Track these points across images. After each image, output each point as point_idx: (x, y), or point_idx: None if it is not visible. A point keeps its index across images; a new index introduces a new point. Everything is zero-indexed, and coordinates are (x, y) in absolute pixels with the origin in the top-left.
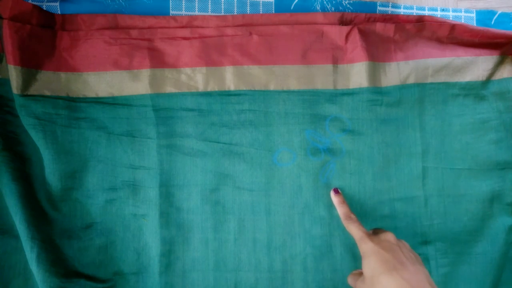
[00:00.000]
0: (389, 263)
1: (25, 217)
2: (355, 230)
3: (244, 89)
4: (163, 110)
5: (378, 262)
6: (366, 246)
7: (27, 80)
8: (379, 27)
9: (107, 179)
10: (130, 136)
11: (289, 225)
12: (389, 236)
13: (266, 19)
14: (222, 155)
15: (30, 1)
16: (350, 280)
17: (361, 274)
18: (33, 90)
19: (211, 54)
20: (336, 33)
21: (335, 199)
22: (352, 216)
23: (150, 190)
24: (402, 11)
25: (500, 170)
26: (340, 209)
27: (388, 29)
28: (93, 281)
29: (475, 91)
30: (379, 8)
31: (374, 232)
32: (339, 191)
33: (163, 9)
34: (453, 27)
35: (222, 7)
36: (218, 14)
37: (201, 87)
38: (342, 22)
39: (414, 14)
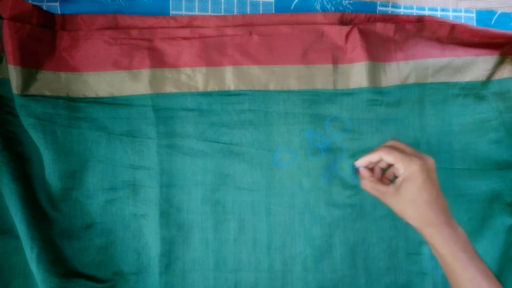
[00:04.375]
0: (432, 195)
1: (25, 217)
2: (396, 154)
3: (244, 89)
4: (163, 110)
5: (424, 191)
6: (413, 169)
7: (27, 80)
8: (379, 27)
9: (107, 179)
10: (130, 136)
11: (289, 225)
12: (432, 165)
13: (266, 19)
14: (222, 155)
15: (30, 1)
16: (370, 186)
17: (383, 180)
18: (33, 90)
19: (211, 54)
20: (336, 33)
21: (362, 170)
22: (382, 146)
23: (150, 190)
24: (402, 11)
25: (500, 170)
26: (370, 156)
27: (388, 29)
28: (93, 281)
29: (475, 91)
30: (379, 8)
31: (411, 151)
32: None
33: (163, 9)
34: (453, 27)
35: (222, 7)
36: (218, 14)
37: (201, 87)
38: (342, 22)
39: (414, 14)
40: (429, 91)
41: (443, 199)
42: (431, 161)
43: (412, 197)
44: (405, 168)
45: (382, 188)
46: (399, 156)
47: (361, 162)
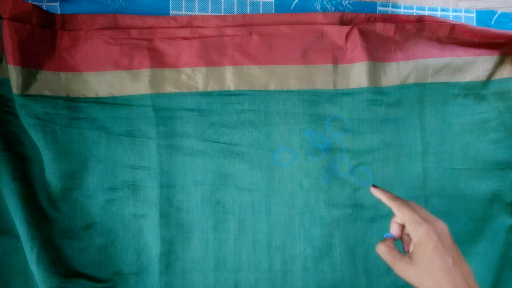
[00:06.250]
0: (448, 260)
1: (25, 217)
2: (407, 213)
3: (244, 89)
4: (163, 110)
5: (437, 256)
6: (423, 232)
7: (27, 80)
8: (379, 27)
9: (107, 179)
10: (130, 136)
11: (289, 225)
12: (444, 228)
13: (266, 19)
14: (222, 155)
15: (30, 1)
16: (384, 250)
17: (397, 249)
18: (33, 90)
19: (211, 54)
20: (336, 33)
21: (374, 190)
22: (399, 197)
23: (150, 190)
24: (402, 11)
25: (500, 170)
26: (384, 195)
27: (388, 29)
28: (93, 281)
29: (475, 91)
30: (379, 8)
31: (424, 214)
32: (376, 186)
33: (163, 9)
34: (453, 27)
35: (222, 7)
36: (218, 14)
37: (201, 87)
38: (342, 22)
39: (414, 14)
40: (429, 91)
41: (463, 266)
42: (441, 225)
43: (427, 265)
44: (412, 231)
45: (397, 255)
46: (409, 216)
47: (396, 232)
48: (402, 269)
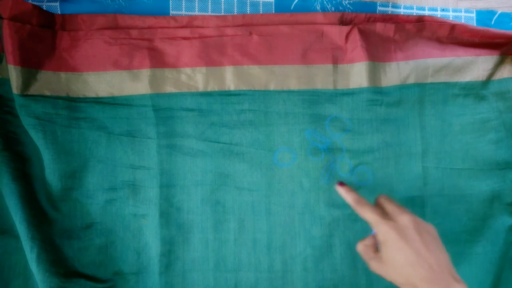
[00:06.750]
0: (411, 255)
1: (25, 217)
2: (369, 214)
3: (244, 89)
4: (163, 110)
5: (399, 253)
6: (384, 231)
7: (27, 80)
8: (379, 27)
9: (107, 179)
10: (130, 136)
11: (289, 225)
12: (407, 222)
13: (266, 19)
14: (222, 155)
15: (30, 1)
16: (361, 249)
17: (375, 247)
18: (33, 90)
19: (211, 54)
20: (336, 33)
21: (341, 189)
22: (362, 199)
23: (150, 190)
24: (402, 11)
25: (500, 170)
26: (349, 196)
27: (388, 29)
28: (93, 281)
29: (475, 91)
30: (379, 8)
31: (389, 210)
32: (344, 183)
33: (163, 9)
34: (453, 27)
35: (222, 7)
36: (218, 14)
37: (201, 87)
38: (342, 22)
39: (414, 14)
40: (429, 91)
41: (432, 255)
42: (404, 218)
43: (392, 264)
44: (377, 232)
45: (371, 254)
46: (371, 218)
47: None
48: (375, 268)
